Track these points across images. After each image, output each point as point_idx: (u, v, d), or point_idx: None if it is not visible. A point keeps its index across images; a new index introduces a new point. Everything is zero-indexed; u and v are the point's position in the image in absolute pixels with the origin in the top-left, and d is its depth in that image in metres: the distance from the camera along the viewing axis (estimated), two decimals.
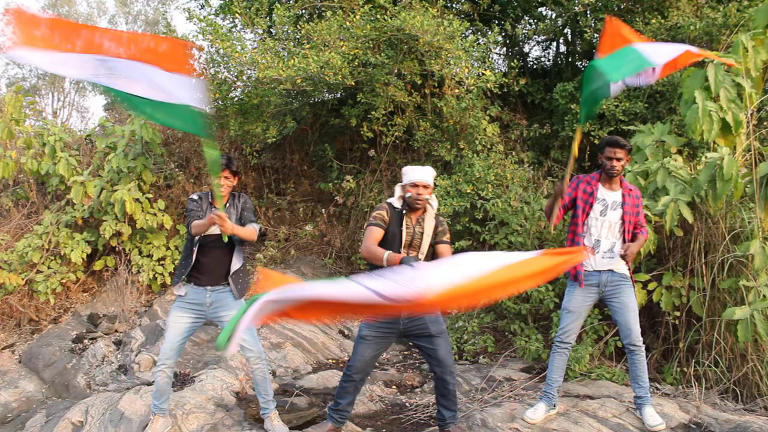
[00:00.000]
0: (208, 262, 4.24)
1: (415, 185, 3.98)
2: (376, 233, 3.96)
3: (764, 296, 4.80)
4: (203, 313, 4.26)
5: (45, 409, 5.43)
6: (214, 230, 4.14)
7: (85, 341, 7.02)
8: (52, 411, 5.27)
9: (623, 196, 4.28)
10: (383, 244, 3.97)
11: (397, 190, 4.10)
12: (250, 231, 4.26)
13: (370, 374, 4.56)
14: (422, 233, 4.03)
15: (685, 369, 5.22)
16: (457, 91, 7.94)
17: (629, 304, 4.24)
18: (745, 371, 4.93)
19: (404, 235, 3.99)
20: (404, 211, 4.04)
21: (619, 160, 4.18)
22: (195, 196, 4.33)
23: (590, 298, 4.32)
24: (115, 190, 7.77)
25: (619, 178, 4.30)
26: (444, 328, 4.10)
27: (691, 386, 4.96)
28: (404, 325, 4.00)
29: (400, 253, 3.93)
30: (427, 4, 7.96)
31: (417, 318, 3.98)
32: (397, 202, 4.08)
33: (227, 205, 4.30)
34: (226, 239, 4.14)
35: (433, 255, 4.06)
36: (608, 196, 4.26)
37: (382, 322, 4.02)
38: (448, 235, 4.13)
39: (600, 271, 4.26)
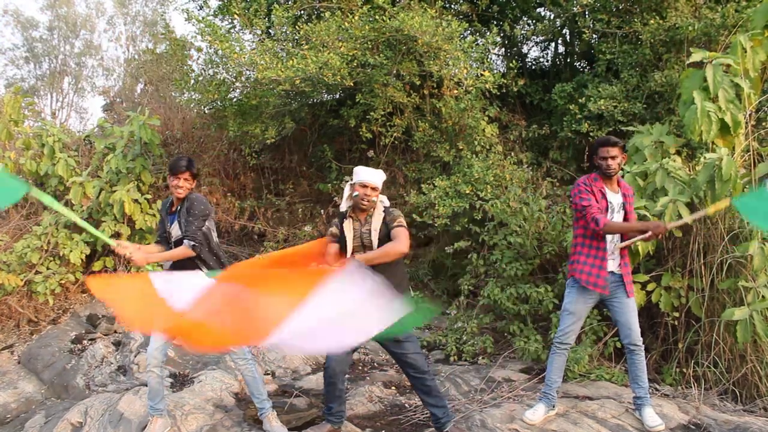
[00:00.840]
0: (178, 265, 4.23)
1: (363, 185, 4.05)
2: (331, 249, 4.17)
3: (763, 297, 4.80)
4: None
5: (44, 410, 5.42)
6: (174, 233, 4.21)
7: (84, 342, 7.01)
8: (51, 412, 5.26)
9: (624, 196, 4.28)
10: (343, 251, 4.10)
11: (346, 189, 4.18)
12: (174, 253, 4.14)
13: (347, 372, 4.57)
14: (370, 230, 4.07)
15: (684, 370, 5.22)
16: (455, 91, 7.94)
17: (629, 303, 4.24)
18: (745, 372, 4.93)
19: (349, 240, 4.07)
20: (345, 217, 4.14)
21: (614, 158, 4.17)
22: (159, 207, 4.36)
23: (591, 300, 4.31)
24: (114, 191, 7.77)
25: (616, 178, 4.29)
26: (411, 332, 4.16)
27: (691, 387, 4.96)
28: None
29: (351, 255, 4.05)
30: (425, 5, 7.97)
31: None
32: (345, 203, 4.17)
33: (179, 209, 4.28)
34: (149, 269, 4.13)
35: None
36: (613, 198, 4.25)
37: None
38: (399, 220, 4.09)
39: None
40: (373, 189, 4.07)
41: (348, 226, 4.10)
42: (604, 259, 4.19)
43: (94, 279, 3.70)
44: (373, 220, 4.10)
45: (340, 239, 4.13)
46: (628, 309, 4.24)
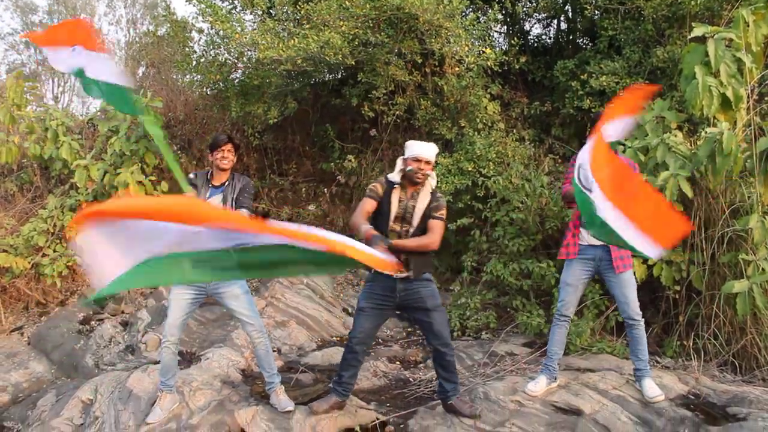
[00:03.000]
0: None
1: (417, 159, 4.04)
2: (367, 205, 4.08)
3: (763, 270, 4.85)
4: (203, 289, 4.32)
5: (55, 389, 5.52)
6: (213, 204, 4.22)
7: (92, 323, 7.10)
8: (62, 390, 5.36)
9: None
10: (377, 216, 4.07)
11: (399, 162, 4.16)
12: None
13: (370, 346, 4.67)
14: (414, 207, 4.08)
15: (684, 342, 5.28)
16: (457, 69, 7.93)
17: (622, 278, 4.28)
18: (744, 344, 4.99)
19: (394, 208, 4.06)
20: (395, 185, 4.09)
21: None
22: (191, 175, 4.39)
23: (587, 272, 4.37)
24: (119, 173, 7.81)
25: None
26: (439, 302, 4.20)
27: (691, 359, 5.03)
28: (401, 298, 4.10)
29: (389, 225, 4.04)
30: None
31: (413, 291, 4.07)
32: (395, 176, 4.13)
33: (225, 184, 4.35)
34: None
35: (424, 230, 4.09)
36: None
37: (380, 294, 4.13)
38: (442, 212, 4.13)
39: (595, 246, 4.29)
40: (427, 163, 4.06)
41: (395, 195, 4.09)
42: (576, 227, 4.35)
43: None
44: (420, 196, 4.11)
45: (381, 202, 4.09)
46: (622, 284, 4.27)
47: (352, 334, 4.23)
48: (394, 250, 3.64)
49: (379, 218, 4.08)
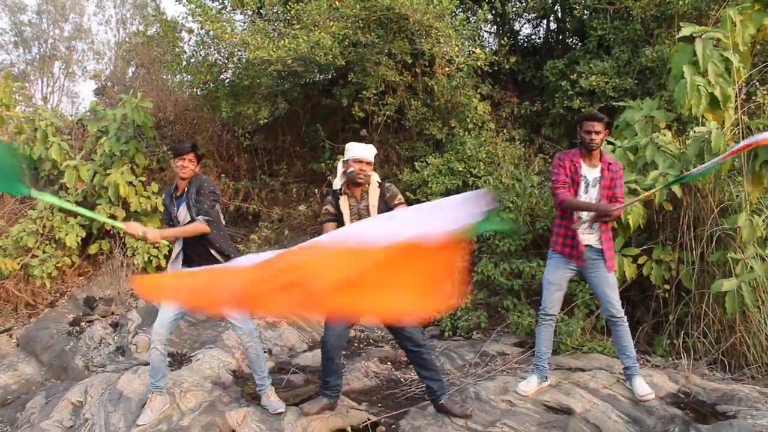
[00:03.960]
0: (188, 248, 4.29)
1: (358, 161, 4.10)
2: (327, 227, 4.14)
3: (752, 268, 4.88)
4: None
5: (44, 391, 5.49)
6: (181, 218, 4.25)
7: (82, 324, 7.07)
8: (51, 392, 5.33)
9: (602, 171, 4.31)
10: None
11: (340, 166, 4.22)
12: (189, 229, 4.18)
13: (344, 347, 4.66)
14: (367, 206, 4.14)
15: (674, 341, 5.31)
16: (447, 69, 7.94)
17: (609, 278, 4.31)
18: (733, 342, 5.02)
19: (347, 215, 4.11)
20: (339, 195, 4.16)
21: (597, 133, 4.22)
22: (163, 197, 4.40)
23: (570, 271, 4.40)
24: (108, 174, 7.79)
25: (598, 152, 4.33)
26: None
27: (681, 358, 5.05)
28: None
29: None
30: None
31: None
32: (338, 182, 4.20)
33: (186, 191, 4.31)
34: (165, 243, 4.18)
35: None
36: (589, 173, 4.30)
37: None
38: (399, 197, 4.19)
39: (587, 246, 4.31)
40: (368, 164, 4.13)
41: (344, 203, 4.15)
42: (576, 232, 4.29)
43: (139, 280, 3.69)
44: (370, 196, 4.16)
45: (337, 217, 4.16)
46: (607, 282, 4.30)
47: (324, 339, 4.23)
48: None
49: None
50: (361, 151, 4.13)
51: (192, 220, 4.19)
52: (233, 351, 5.67)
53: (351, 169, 4.10)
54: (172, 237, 4.20)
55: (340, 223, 4.12)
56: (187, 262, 4.30)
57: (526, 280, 6.12)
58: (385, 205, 4.14)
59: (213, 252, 4.27)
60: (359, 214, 4.12)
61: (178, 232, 4.18)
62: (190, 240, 4.23)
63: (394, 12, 7.35)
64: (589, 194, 4.28)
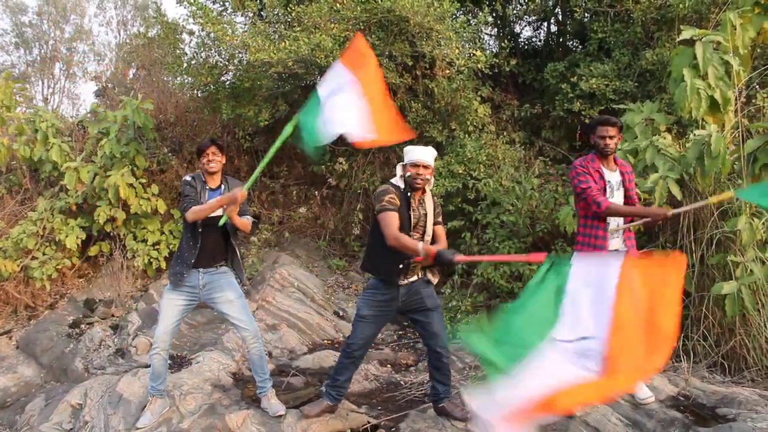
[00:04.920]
0: (206, 246, 4.26)
1: (416, 165, 3.97)
2: (395, 219, 3.89)
3: (751, 271, 4.87)
4: (196, 294, 4.31)
5: (44, 393, 5.49)
6: (214, 213, 4.18)
7: (82, 326, 7.07)
8: (51, 395, 5.33)
9: (621, 174, 4.30)
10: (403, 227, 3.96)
11: (399, 169, 4.10)
12: (246, 222, 4.30)
13: (368, 351, 4.66)
14: (425, 214, 4.06)
15: (674, 344, 5.29)
16: (448, 72, 7.95)
17: None
18: (733, 345, 5.01)
19: (413, 216, 4.00)
20: (409, 193, 4.02)
21: (612, 138, 4.20)
22: (188, 178, 4.31)
23: None
24: (109, 176, 7.78)
25: (612, 156, 4.32)
26: (439, 302, 4.20)
27: (681, 360, 5.04)
28: (403, 303, 4.08)
29: (410, 235, 3.96)
30: None
31: (415, 293, 4.06)
32: (400, 182, 4.07)
33: (221, 188, 4.33)
34: (221, 222, 4.15)
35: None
36: (612, 177, 4.26)
37: (383, 301, 4.09)
38: (442, 216, 4.22)
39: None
40: (425, 168, 3.98)
41: (413, 204, 4.02)
42: (605, 239, 4.20)
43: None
44: (427, 203, 4.09)
45: (399, 210, 3.95)
46: None
47: (351, 341, 4.19)
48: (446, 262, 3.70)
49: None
50: (420, 154, 3.98)
51: (220, 216, 4.17)
52: (233, 353, 5.67)
53: (409, 173, 3.97)
54: (235, 222, 4.20)
55: (404, 218, 3.95)
56: (198, 259, 4.28)
57: (526, 282, 6.12)
58: (434, 218, 4.11)
59: (233, 244, 4.35)
60: (418, 219, 4.02)
61: (240, 221, 4.22)
62: (212, 234, 4.25)
63: (395, 14, 7.36)
64: (615, 198, 4.23)
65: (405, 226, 3.94)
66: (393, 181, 4.11)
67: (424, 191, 4.10)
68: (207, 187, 4.30)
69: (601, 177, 4.23)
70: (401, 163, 4.09)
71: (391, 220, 3.86)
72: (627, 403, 4.30)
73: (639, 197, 5.21)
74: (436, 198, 4.26)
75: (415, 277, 4.06)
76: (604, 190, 4.21)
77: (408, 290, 4.07)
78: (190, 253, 4.24)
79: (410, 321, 4.41)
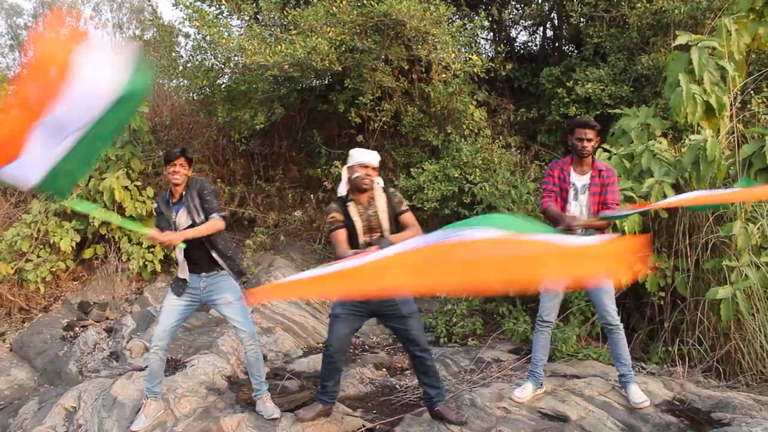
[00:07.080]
0: (193, 258, 4.25)
1: (363, 166, 4.07)
2: (341, 236, 4.07)
3: (746, 276, 4.90)
4: (198, 296, 4.32)
5: (38, 396, 5.45)
6: (180, 222, 4.20)
7: (76, 329, 7.04)
8: (44, 398, 5.30)
9: (591, 177, 4.31)
10: (349, 238, 4.06)
11: (344, 172, 4.19)
12: (208, 226, 4.17)
13: (347, 352, 4.66)
14: (376, 212, 4.10)
15: (669, 348, 5.32)
16: (444, 76, 7.96)
17: (603, 285, 4.30)
18: (728, 349, 5.03)
19: (358, 223, 4.06)
20: (347, 202, 4.10)
21: (589, 140, 4.24)
22: (156, 205, 4.33)
23: None
24: (104, 178, 7.76)
25: (590, 159, 4.33)
26: (415, 308, 4.19)
27: (676, 365, 5.06)
28: (375, 305, 4.10)
29: (360, 240, 4.03)
30: None
31: (388, 299, 4.06)
32: (343, 188, 4.17)
33: (184, 195, 4.27)
34: (183, 246, 4.11)
35: (398, 228, 4.14)
36: (578, 180, 4.32)
37: (354, 301, 4.11)
38: (404, 203, 4.21)
39: None
40: (373, 169, 4.10)
41: (353, 210, 4.09)
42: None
43: (252, 294, 3.71)
44: (377, 202, 4.12)
45: (346, 224, 4.08)
46: (601, 290, 4.29)
47: (328, 342, 4.23)
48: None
49: (349, 239, 4.07)
50: (366, 156, 4.10)
51: (193, 224, 4.17)
52: (228, 357, 5.65)
53: (356, 174, 4.06)
54: (191, 237, 4.12)
55: (351, 230, 4.06)
56: (193, 267, 4.28)
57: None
58: (393, 211, 4.13)
59: (215, 254, 4.26)
60: (369, 221, 4.08)
61: (199, 230, 4.12)
62: (191, 245, 4.16)
63: (391, 18, 7.36)
64: (579, 201, 4.30)
65: (354, 234, 4.05)
66: (338, 191, 4.23)
67: (373, 191, 4.15)
68: (171, 204, 4.28)
69: (565, 179, 4.32)
70: (347, 166, 4.17)
71: (338, 239, 4.06)
72: (622, 408, 4.31)
73: (628, 201, 5.22)
74: (393, 189, 4.30)
75: None
76: (566, 192, 4.32)
77: None
78: (183, 266, 4.27)
79: (388, 328, 4.42)
